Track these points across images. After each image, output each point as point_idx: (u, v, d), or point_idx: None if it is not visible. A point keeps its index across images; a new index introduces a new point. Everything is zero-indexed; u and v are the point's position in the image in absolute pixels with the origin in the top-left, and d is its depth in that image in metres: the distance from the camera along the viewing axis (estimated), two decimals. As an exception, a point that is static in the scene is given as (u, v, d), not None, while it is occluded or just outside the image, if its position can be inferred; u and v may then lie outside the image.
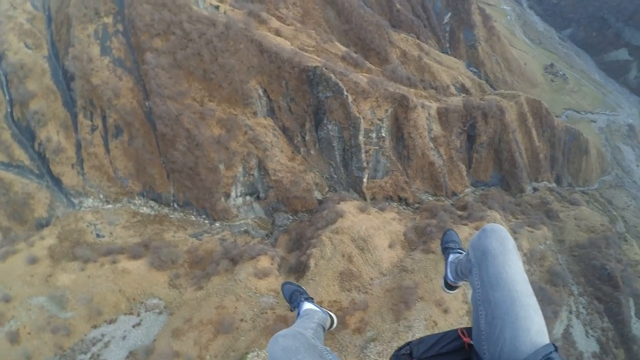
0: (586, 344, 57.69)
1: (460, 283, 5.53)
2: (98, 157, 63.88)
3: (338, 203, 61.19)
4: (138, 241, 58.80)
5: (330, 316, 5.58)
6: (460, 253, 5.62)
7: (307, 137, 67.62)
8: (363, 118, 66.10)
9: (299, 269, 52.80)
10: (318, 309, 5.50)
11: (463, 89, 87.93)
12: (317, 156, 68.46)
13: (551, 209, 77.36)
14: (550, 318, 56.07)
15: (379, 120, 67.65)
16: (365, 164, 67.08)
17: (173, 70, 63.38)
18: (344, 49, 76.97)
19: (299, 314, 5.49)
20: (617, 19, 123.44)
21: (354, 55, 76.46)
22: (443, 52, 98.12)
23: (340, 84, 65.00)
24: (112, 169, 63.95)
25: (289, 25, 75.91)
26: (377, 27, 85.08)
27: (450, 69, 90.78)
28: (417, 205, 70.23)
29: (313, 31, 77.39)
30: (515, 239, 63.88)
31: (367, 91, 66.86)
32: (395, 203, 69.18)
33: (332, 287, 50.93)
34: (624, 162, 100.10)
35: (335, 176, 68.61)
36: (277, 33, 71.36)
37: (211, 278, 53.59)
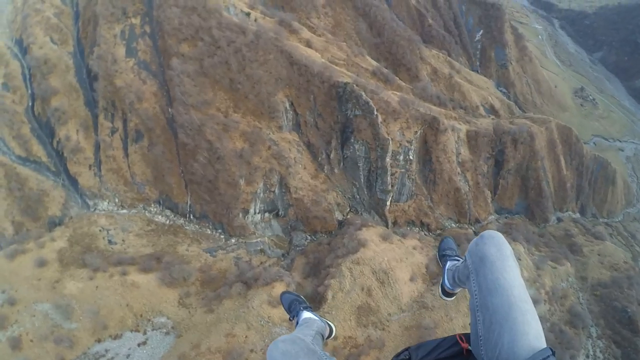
0: (601, 391, 53.50)
1: (458, 290, 5.19)
2: (116, 161, 60.35)
3: (360, 229, 56.71)
4: (150, 252, 55.08)
5: (329, 325, 5.44)
6: (458, 260, 5.31)
7: (332, 155, 63.18)
8: (392, 139, 61.57)
9: (316, 299, 48.52)
10: (317, 318, 5.40)
11: (492, 110, 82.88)
12: (341, 175, 64.04)
13: (575, 243, 72.77)
14: (567, 363, 51.90)
15: (408, 142, 63.10)
16: (390, 187, 62.56)
17: (199, 77, 59.46)
18: (374, 63, 72.37)
19: (297, 322, 5.42)
20: None
21: (385, 70, 71.84)
22: (473, 71, 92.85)
23: (371, 102, 60.53)
24: (129, 174, 60.35)
25: (319, 36, 71.50)
26: (408, 42, 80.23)
27: (480, 88, 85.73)
28: (439, 231, 65.74)
29: (344, 43, 72.96)
30: (538, 275, 59.83)
31: (398, 111, 62.33)
32: (417, 228, 64.67)
33: (349, 322, 46.72)
34: None
35: (358, 197, 64.15)
36: (308, 44, 67.02)
37: (223, 301, 49.60)
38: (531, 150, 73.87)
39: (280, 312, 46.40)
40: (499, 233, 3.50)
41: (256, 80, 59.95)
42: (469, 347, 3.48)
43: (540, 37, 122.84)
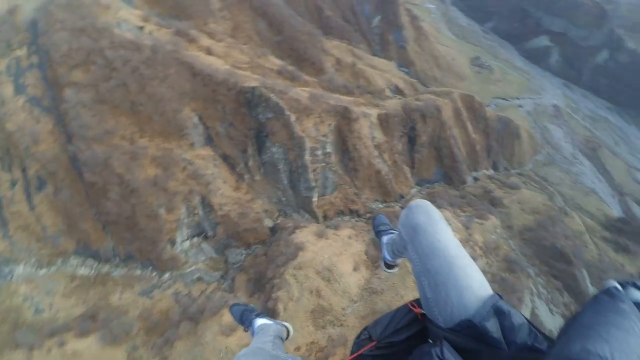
0: (553, 322, 55.45)
1: (399, 261, 5.32)
2: (23, 216, 52.54)
3: (293, 232, 54.06)
4: (82, 311, 48.47)
5: (285, 327, 5.41)
6: (393, 233, 5.39)
7: (250, 163, 59.61)
8: (307, 136, 59.14)
9: (267, 315, 45.38)
10: (271, 322, 5.36)
11: (397, 90, 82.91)
12: (263, 181, 60.72)
13: (494, 197, 75.36)
14: (516, 305, 53.44)
15: (323, 136, 61.01)
16: (313, 183, 60.30)
17: (96, 106, 53.49)
18: (279, 62, 69.30)
19: (253, 332, 5.21)
20: (537, 8, 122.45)
21: (290, 68, 68.97)
22: (374, 55, 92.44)
23: (281, 103, 57.58)
24: (40, 228, 52.60)
25: (219, 41, 67.33)
26: (309, 36, 77.86)
27: (383, 71, 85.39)
28: (368, 215, 64.68)
29: (246, 46, 69.22)
30: (469, 234, 60.83)
31: (309, 108, 59.96)
32: (348, 217, 63.22)
33: (307, 328, 44.27)
34: (553, 140, 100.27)
35: (284, 199, 61.33)
36: (209, 52, 62.80)
37: (174, 344, 44.47)
38: (439, 122, 74.61)
39: (236, 339, 42.86)
40: (425, 200, 3.50)
41: (159, 99, 55.04)
42: (423, 311, 3.32)
43: (433, 15, 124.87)
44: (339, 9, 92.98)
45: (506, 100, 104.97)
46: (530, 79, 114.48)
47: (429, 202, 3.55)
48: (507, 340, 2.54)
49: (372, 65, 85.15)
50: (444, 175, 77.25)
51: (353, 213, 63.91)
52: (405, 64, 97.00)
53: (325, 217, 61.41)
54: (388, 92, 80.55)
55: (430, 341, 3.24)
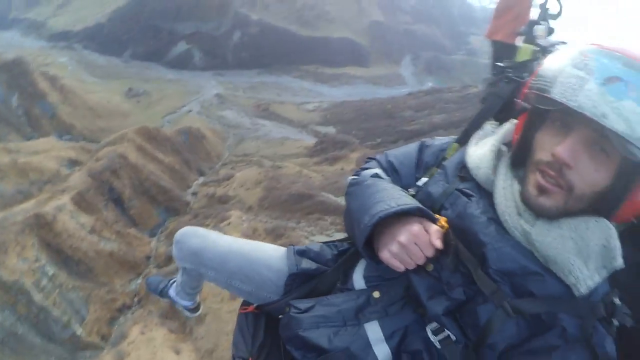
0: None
1: (198, 298, 3.96)
2: None
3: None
4: None
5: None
6: (175, 280, 3.88)
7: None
8: (21, 275, 49.02)
9: None
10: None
11: (73, 163, 75.60)
12: None
13: (220, 196, 74.12)
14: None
15: (36, 261, 49.24)
16: (65, 317, 47.38)
17: None
18: None
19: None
20: (165, 20, 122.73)
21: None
22: (30, 140, 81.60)
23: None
24: None
25: None
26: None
27: (48, 151, 74.92)
28: (139, 297, 60.54)
29: None
30: (227, 232, 63.90)
31: (-2, 247, 50.95)
32: (124, 316, 57.27)
33: None
34: (232, 122, 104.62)
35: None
36: None
37: None
38: (131, 167, 70.17)
39: None
40: (182, 229, 3.21)
41: None
42: (254, 305, 2.97)
43: (70, 68, 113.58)
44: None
45: (175, 112, 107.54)
46: (186, 84, 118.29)
47: (187, 227, 3.44)
48: (324, 263, 2.98)
49: (34, 152, 74.33)
50: (167, 210, 76.80)
51: (124, 309, 58.99)
52: (65, 131, 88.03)
53: (104, 337, 54.81)
54: (65, 170, 73.17)
55: (282, 315, 3.18)
